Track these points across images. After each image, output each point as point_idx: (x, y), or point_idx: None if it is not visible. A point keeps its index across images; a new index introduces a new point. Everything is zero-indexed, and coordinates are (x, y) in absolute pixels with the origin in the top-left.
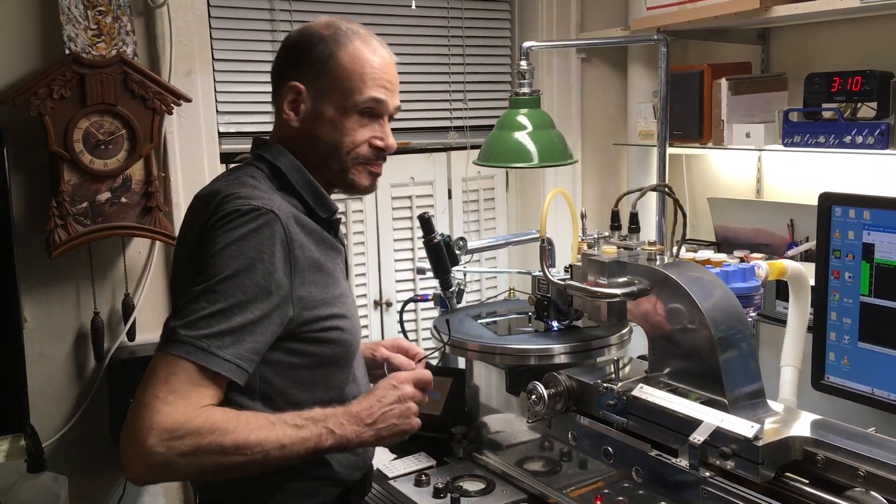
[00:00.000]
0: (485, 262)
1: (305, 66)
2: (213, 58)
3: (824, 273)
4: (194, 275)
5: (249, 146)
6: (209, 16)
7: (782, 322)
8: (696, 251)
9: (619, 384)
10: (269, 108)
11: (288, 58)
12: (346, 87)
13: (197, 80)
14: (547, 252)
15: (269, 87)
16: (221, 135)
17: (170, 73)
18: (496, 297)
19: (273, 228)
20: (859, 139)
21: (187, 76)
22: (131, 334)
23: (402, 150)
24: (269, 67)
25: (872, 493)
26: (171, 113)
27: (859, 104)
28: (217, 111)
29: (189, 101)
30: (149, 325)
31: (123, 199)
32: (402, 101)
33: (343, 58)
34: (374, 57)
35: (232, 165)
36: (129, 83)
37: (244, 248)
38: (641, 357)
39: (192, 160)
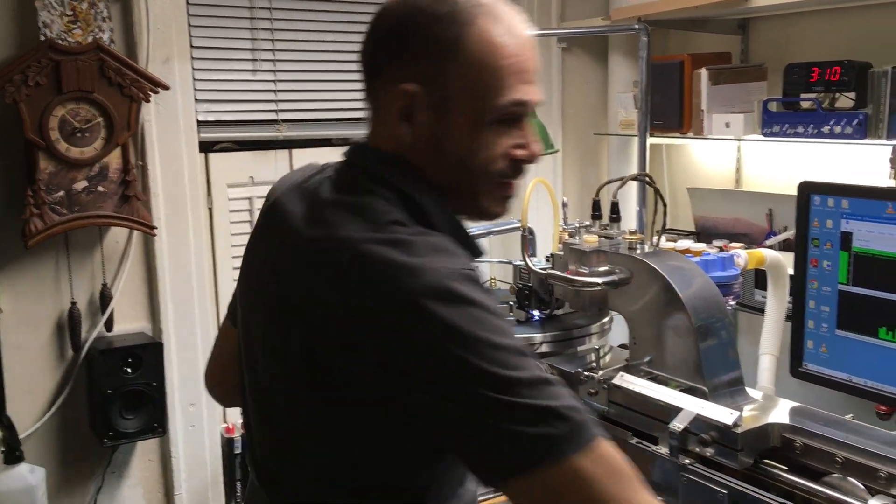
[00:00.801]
0: None
1: (418, 59)
2: (191, 45)
3: (803, 261)
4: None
5: (231, 134)
6: (187, 2)
7: (760, 311)
8: (675, 241)
9: (600, 372)
10: (249, 95)
11: (389, 45)
12: (478, 88)
13: (175, 68)
14: (528, 241)
15: (248, 76)
16: (200, 123)
17: (147, 61)
18: None
19: (476, 285)
20: (837, 129)
21: (165, 63)
22: (109, 324)
23: None
24: (248, 55)
25: (850, 478)
26: (148, 101)
27: (837, 94)
28: (195, 99)
29: (167, 88)
30: (127, 315)
31: (100, 188)
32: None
33: (470, 46)
34: (509, 39)
35: (327, 174)
36: (105, 70)
37: (494, 328)
38: (622, 346)
39: (170, 149)
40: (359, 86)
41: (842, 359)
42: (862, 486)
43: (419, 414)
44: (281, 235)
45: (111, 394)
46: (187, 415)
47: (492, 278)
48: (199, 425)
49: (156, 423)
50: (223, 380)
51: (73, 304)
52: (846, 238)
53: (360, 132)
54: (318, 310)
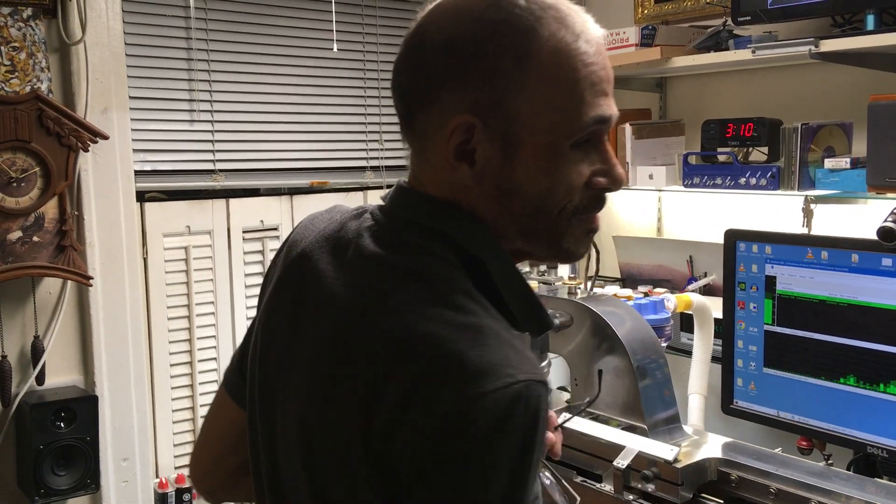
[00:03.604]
0: None
1: (474, 82)
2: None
3: (731, 304)
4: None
5: (168, 184)
6: (126, 53)
7: (685, 353)
8: (603, 286)
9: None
10: (185, 146)
11: (433, 68)
12: (555, 109)
13: (113, 118)
14: None
15: (185, 126)
16: (137, 173)
17: (86, 110)
18: None
19: (540, 414)
20: (753, 181)
21: (103, 113)
22: (41, 378)
23: (320, 190)
24: (186, 106)
25: None
26: (87, 150)
27: (751, 148)
28: (133, 149)
29: (106, 138)
30: (59, 368)
31: (35, 238)
32: (318, 142)
33: (540, 58)
34: (584, 44)
35: (368, 223)
36: (44, 120)
37: (518, 461)
38: (560, 388)
39: (107, 198)
40: (295, 136)
41: (770, 395)
42: None
43: None
44: (315, 301)
45: (42, 449)
46: (120, 470)
47: None
48: (132, 481)
49: (88, 479)
50: (217, 468)
51: (4, 357)
52: (770, 282)
53: (296, 181)
54: (363, 401)
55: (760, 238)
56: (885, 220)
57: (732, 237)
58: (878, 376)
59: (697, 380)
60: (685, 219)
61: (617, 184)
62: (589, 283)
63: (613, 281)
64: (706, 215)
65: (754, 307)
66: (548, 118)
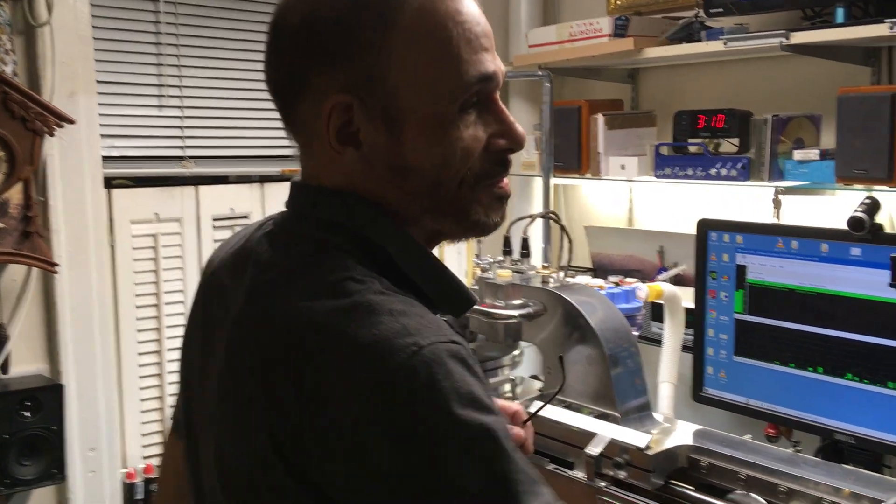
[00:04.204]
0: None
1: (343, 60)
2: (96, 80)
3: (702, 293)
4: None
5: (137, 170)
6: (93, 36)
7: (656, 342)
8: (574, 276)
9: (517, 403)
10: (154, 131)
11: (300, 54)
12: (430, 73)
13: (80, 102)
14: None
15: (154, 111)
16: (104, 159)
17: (52, 94)
18: None
19: (454, 369)
20: (724, 171)
21: (70, 97)
22: (5, 367)
23: (291, 178)
24: (154, 91)
25: (752, 494)
26: (52, 135)
27: (722, 140)
28: (101, 135)
29: (73, 122)
30: (24, 356)
31: (0, 225)
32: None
33: (406, 23)
34: (450, 3)
35: (272, 229)
36: (8, 103)
37: (462, 426)
38: (533, 377)
39: (74, 184)
40: (266, 122)
41: (740, 383)
42: (764, 502)
43: None
44: (219, 316)
45: (8, 439)
46: (87, 460)
47: None
48: (100, 471)
49: (55, 469)
50: None
51: None
52: (741, 271)
53: (267, 169)
54: (266, 410)
55: (732, 228)
56: (856, 210)
57: (705, 227)
58: (846, 365)
59: (668, 368)
60: (656, 209)
61: (517, 143)
62: (562, 273)
63: (585, 271)
64: (677, 206)
65: (725, 296)
66: (426, 85)
